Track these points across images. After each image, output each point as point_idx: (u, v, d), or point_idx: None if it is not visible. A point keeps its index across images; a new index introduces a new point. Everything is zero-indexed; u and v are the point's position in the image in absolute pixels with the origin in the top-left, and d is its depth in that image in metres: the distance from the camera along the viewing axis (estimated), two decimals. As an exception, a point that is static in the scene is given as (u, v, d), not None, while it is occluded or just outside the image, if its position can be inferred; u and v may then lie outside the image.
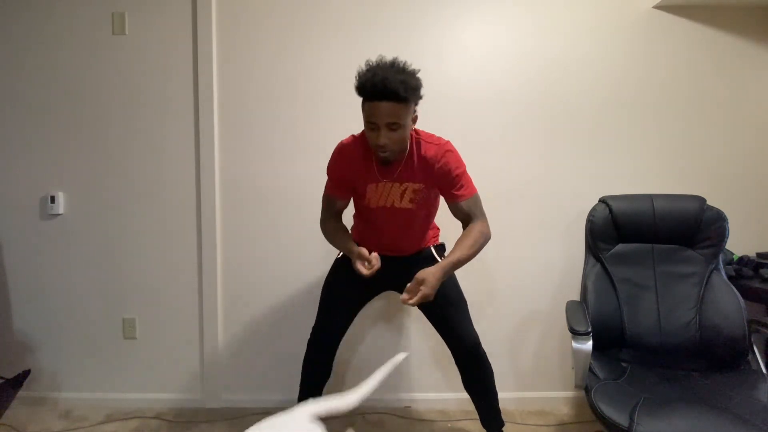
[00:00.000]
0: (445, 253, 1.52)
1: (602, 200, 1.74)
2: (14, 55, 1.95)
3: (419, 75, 1.26)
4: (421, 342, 2.03)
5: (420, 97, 1.27)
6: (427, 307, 1.48)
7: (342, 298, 1.57)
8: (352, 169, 1.40)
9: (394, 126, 1.22)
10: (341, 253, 1.56)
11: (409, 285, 1.28)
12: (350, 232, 1.60)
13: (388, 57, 1.28)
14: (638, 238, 1.69)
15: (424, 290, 1.26)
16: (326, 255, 1.98)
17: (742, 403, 1.26)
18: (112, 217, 1.99)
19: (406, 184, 1.37)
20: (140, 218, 1.99)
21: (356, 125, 1.93)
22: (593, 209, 1.73)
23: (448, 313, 1.50)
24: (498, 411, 1.58)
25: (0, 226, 1.99)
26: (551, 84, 1.95)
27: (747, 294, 1.64)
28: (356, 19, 1.94)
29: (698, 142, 1.97)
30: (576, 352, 1.41)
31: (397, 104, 1.19)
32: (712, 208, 1.65)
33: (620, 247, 1.70)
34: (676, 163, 1.97)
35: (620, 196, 1.74)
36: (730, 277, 1.67)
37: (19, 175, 1.98)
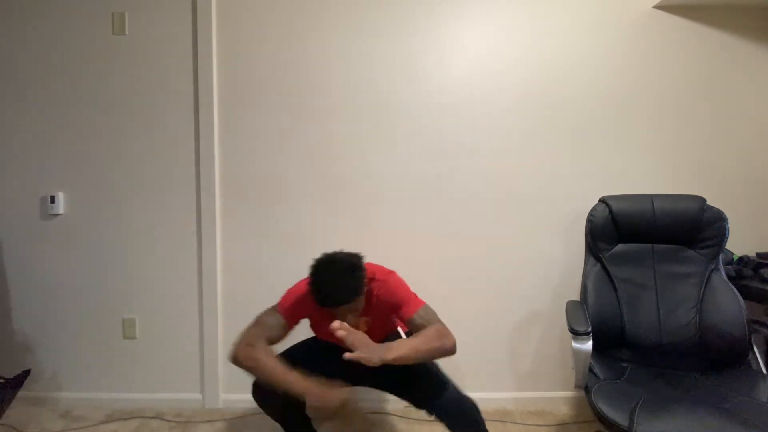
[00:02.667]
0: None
1: (602, 200, 1.74)
2: (14, 55, 1.96)
3: (360, 261, 1.30)
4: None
5: (365, 282, 1.30)
6: (398, 387, 1.42)
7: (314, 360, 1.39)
8: (312, 310, 1.37)
9: (352, 315, 1.30)
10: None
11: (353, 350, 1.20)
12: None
13: (324, 259, 1.29)
14: (638, 238, 1.69)
15: (366, 358, 1.17)
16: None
17: (742, 403, 1.26)
18: (112, 217, 1.99)
19: (360, 320, 1.38)
20: (140, 218, 1.99)
21: (356, 125, 1.95)
22: (593, 209, 1.72)
23: (427, 386, 1.39)
24: None
25: (0, 226, 1.99)
26: (551, 84, 1.95)
27: (747, 294, 1.64)
28: (356, 20, 1.94)
29: (698, 142, 1.97)
30: (576, 352, 1.41)
31: (350, 304, 1.25)
32: (712, 208, 1.65)
33: (620, 247, 1.70)
34: (677, 163, 1.98)
35: (620, 196, 1.74)
36: (730, 277, 1.67)
37: (19, 175, 1.98)
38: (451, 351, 1.32)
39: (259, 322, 1.36)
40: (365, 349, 1.19)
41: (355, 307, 1.30)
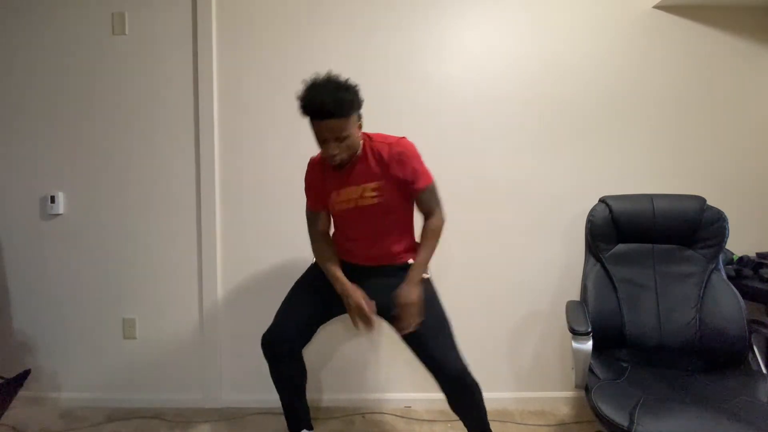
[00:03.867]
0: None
1: (602, 200, 1.74)
2: (14, 55, 1.96)
3: (355, 86, 1.32)
4: (421, 342, 2.03)
5: (359, 107, 1.34)
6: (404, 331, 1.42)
7: (308, 298, 1.54)
8: (318, 179, 1.48)
9: (341, 138, 1.30)
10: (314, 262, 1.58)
11: (397, 314, 1.35)
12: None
13: (322, 73, 1.33)
14: (638, 238, 1.69)
15: (413, 311, 1.34)
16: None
17: (742, 403, 1.26)
18: (112, 217, 1.99)
19: (364, 185, 1.40)
20: (140, 218, 1.99)
21: (356, 125, 1.95)
22: (593, 209, 1.72)
23: (423, 340, 1.39)
24: (487, 425, 1.51)
25: (0, 226, 1.99)
26: (551, 84, 1.95)
27: (747, 294, 1.64)
28: (356, 20, 1.94)
29: (698, 142, 1.97)
30: (576, 352, 1.41)
31: (338, 120, 1.27)
32: (712, 208, 1.65)
33: (620, 247, 1.70)
34: (677, 163, 1.98)
35: (620, 196, 1.74)
36: (730, 277, 1.67)
37: (19, 175, 1.98)
38: (441, 232, 1.47)
39: (307, 225, 1.55)
40: (406, 314, 1.34)
41: (346, 125, 1.28)
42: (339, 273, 1.45)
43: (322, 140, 1.31)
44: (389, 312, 1.39)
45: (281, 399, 1.60)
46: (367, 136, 1.44)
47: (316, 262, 1.56)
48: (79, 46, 1.95)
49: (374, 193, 1.39)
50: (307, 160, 1.94)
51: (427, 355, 1.40)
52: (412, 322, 1.34)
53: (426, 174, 1.44)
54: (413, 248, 1.50)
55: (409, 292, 1.35)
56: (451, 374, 1.38)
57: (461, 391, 1.42)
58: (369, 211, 1.41)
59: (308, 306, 1.53)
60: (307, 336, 1.55)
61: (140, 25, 1.95)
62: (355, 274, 1.47)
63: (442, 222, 1.46)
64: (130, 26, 1.95)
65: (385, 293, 1.39)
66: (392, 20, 1.93)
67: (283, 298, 1.99)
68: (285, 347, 1.51)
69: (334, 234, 1.60)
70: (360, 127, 1.38)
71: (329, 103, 1.24)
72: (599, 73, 1.95)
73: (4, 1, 1.95)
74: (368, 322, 1.39)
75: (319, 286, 1.51)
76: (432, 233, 1.44)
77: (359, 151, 1.40)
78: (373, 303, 1.40)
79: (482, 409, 1.49)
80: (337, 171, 1.42)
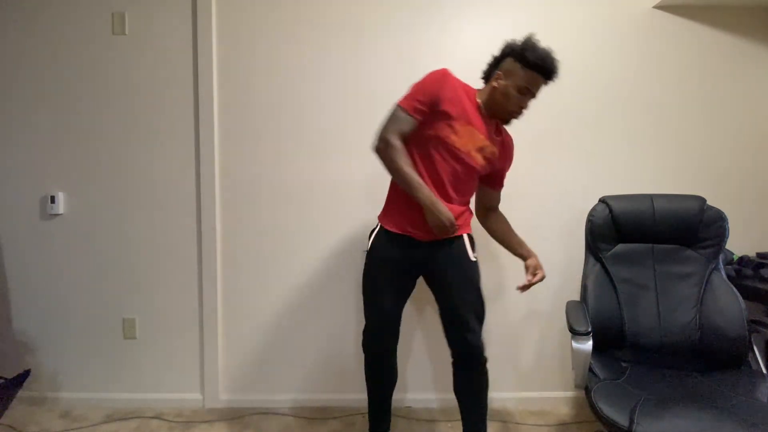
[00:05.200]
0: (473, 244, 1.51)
1: (602, 200, 1.74)
2: (14, 54, 1.96)
3: None
4: (421, 342, 2.03)
5: None
6: (447, 300, 1.47)
7: (388, 285, 1.48)
8: (459, 100, 1.39)
9: (533, 98, 1.43)
10: (372, 241, 1.51)
11: (529, 270, 1.51)
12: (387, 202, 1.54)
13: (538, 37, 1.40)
14: (638, 238, 1.69)
15: (540, 273, 1.49)
16: (328, 255, 1.99)
17: (742, 403, 1.26)
18: (112, 217, 1.99)
19: (489, 144, 1.44)
20: (140, 218, 1.99)
21: (356, 124, 1.95)
22: (593, 209, 1.72)
23: (464, 313, 1.44)
24: (485, 425, 1.53)
25: (0, 226, 1.99)
26: (550, 84, 1.94)
27: (747, 294, 1.64)
28: (356, 18, 1.94)
29: (698, 142, 1.97)
30: (576, 352, 1.41)
31: (545, 86, 1.41)
32: (712, 208, 1.65)
33: (620, 247, 1.70)
34: (677, 163, 1.98)
35: (620, 196, 1.74)
36: (730, 277, 1.67)
37: (19, 175, 1.98)
38: None
39: (389, 121, 1.38)
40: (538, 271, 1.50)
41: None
42: (423, 183, 1.37)
43: (527, 92, 1.39)
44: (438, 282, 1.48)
45: (372, 399, 1.59)
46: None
47: (374, 251, 1.49)
48: (79, 46, 1.95)
49: (488, 155, 1.45)
50: (308, 160, 1.96)
51: (465, 324, 1.45)
52: (536, 279, 1.49)
53: (504, 180, 1.64)
54: (467, 223, 1.52)
55: (538, 261, 1.54)
56: (479, 347, 1.47)
57: (480, 367, 1.49)
58: (467, 166, 1.42)
59: (392, 299, 1.50)
60: (398, 331, 1.55)
61: (140, 25, 1.95)
62: (413, 251, 1.45)
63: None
64: (130, 26, 1.95)
65: (439, 260, 1.45)
66: (392, 20, 1.93)
67: (283, 298, 2.01)
68: (386, 343, 1.54)
69: (400, 193, 1.49)
70: None
71: (556, 71, 1.37)
72: (599, 72, 1.95)
73: (5, 2, 1.95)
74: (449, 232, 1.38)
75: (390, 275, 1.48)
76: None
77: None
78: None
79: (486, 404, 1.53)
80: (477, 113, 1.42)
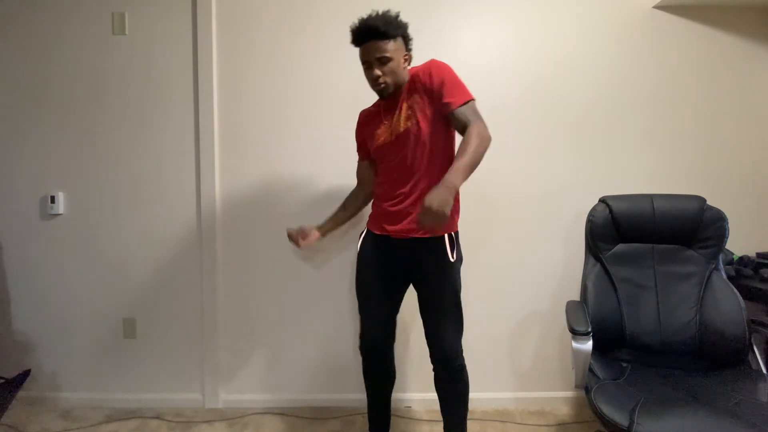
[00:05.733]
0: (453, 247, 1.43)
1: (602, 200, 1.74)
2: (14, 54, 1.96)
3: (405, 22, 1.39)
4: (420, 342, 2.02)
5: (405, 34, 1.40)
6: (422, 301, 1.47)
7: (377, 287, 1.50)
8: (365, 129, 1.53)
9: (384, 59, 1.34)
10: (359, 245, 1.55)
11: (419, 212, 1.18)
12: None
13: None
14: (638, 238, 1.69)
15: (428, 208, 1.12)
16: (328, 255, 1.99)
17: (742, 403, 1.26)
18: (112, 217, 1.99)
19: (402, 109, 1.40)
20: (140, 218, 1.99)
21: (355, 124, 1.94)
22: (593, 209, 1.72)
23: (436, 317, 1.44)
24: (464, 425, 1.52)
25: (0, 226, 1.99)
26: (551, 84, 1.95)
27: (747, 294, 1.64)
28: (356, 18, 1.93)
29: (698, 142, 1.97)
30: (576, 352, 1.41)
31: (381, 41, 1.33)
32: (712, 208, 1.65)
33: (620, 247, 1.70)
34: (676, 163, 1.98)
35: (620, 196, 1.74)
36: (730, 277, 1.67)
37: (19, 175, 1.98)
38: (489, 145, 1.30)
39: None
40: (424, 217, 1.14)
41: (390, 46, 1.33)
42: (333, 217, 1.63)
43: (367, 64, 1.36)
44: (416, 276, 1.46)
45: (371, 399, 1.60)
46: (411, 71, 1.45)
47: (360, 254, 1.54)
48: (79, 46, 1.95)
49: (407, 113, 1.37)
50: (308, 159, 1.96)
51: (432, 331, 1.45)
52: (426, 226, 1.16)
53: (463, 91, 1.35)
54: (450, 222, 1.41)
55: (437, 195, 1.13)
56: (446, 356, 1.43)
57: (450, 376, 1.46)
58: (402, 141, 1.38)
59: (381, 306, 1.51)
60: (393, 331, 1.56)
61: (140, 25, 1.95)
62: (393, 251, 1.46)
63: (488, 134, 1.29)
64: (130, 26, 1.95)
65: (419, 262, 1.43)
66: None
67: (283, 298, 2.01)
68: (380, 345, 1.53)
69: (374, 196, 1.56)
70: (407, 60, 1.42)
71: (371, 20, 1.32)
72: (599, 72, 1.95)
73: (5, 2, 1.95)
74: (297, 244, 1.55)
75: (378, 277, 1.50)
76: (473, 137, 1.24)
77: (405, 85, 1.42)
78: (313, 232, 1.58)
79: (466, 406, 1.51)
80: (381, 111, 1.46)
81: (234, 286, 2.01)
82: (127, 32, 1.95)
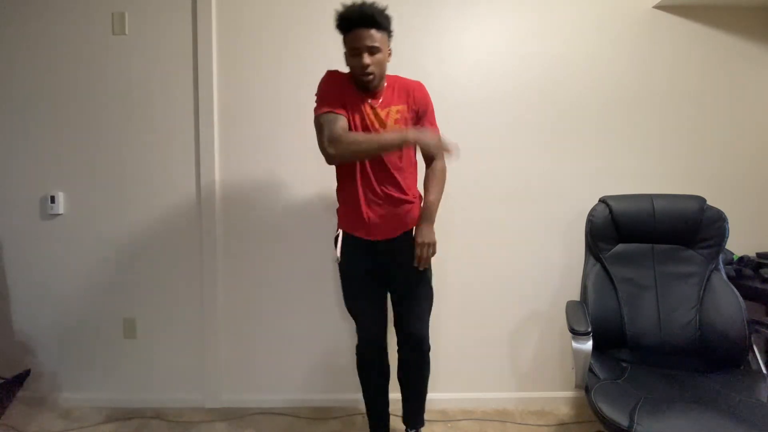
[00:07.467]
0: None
1: (602, 200, 1.74)
2: (14, 54, 1.96)
3: (386, 11, 1.39)
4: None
5: (391, 32, 1.42)
6: (393, 290, 1.55)
7: (364, 290, 1.54)
8: (344, 93, 1.44)
9: (374, 50, 1.36)
10: (338, 256, 1.51)
11: (415, 252, 1.46)
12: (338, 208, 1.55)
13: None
14: (638, 238, 1.69)
15: (430, 250, 1.46)
16: (328, 255, 1.99)
17: (742, 403, 1.26)
18: (112, 217, 1.99)
19: (389, 107, 1.45)
20: (140, 218, 1.99)
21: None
22: (593, 209, 1.72)
23: (406, 304, 1.54)
24: (423, 410, 1.64)
25: (0, 226, 1.99)
26: (551, 84, 1.95)
27: (747, 294, 1.64)
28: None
29: (698, 142, 1.97)
30: (576, 352, 1.41)
31: (376, 31, 1.35)
32: (712, 208, 1.65)
33: (620, 247, 1.70)
34: (677, 163, 1.98)
35: (620, 196, 1.74)
36: (730, 277, 1.67)
37: (19, 175, 1.98)
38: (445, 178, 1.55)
39: (321, 124, 1.41)
40: (423, 252, 1.45)
41: (381, 39, 1.36)
42: (386, 133, 1.41)
43: (356, 51, 1.35)
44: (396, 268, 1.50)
45: (371, 404, 1.65)
46: (390, 76, 1.50)
47: (342, 261, 1.51)
48: (79, 46, 1.95)
49: (398, 116, 1.45)
50: (307, 159, 1.96)
51: (402, 317, 1.55)
52: (426, 261, 1.46)
53: (435, 122, 1.55)
54: (419, 207, 1.52)
55: (428, 233, 1.46)
56: (418, 337, 1.54)
57: (418, 358, 1.57)
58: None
59: (374, 303, 1.56)
60: (386, 332, 1.60)
61: (140, 25, 1.95)
62: (373, 249, 1.48)
63: (445, 167, 1.54)
64: (130, 26, 1.95)
65: (398, 256, 1.49)
66: (392, 21, 1.93)
67: (283, 298, 2.01)
68: (378, 350, 1.59)
69: (346, 194, 1.50)
70: (389, 55, 1.44)
71: (370, 9, 1.33)
72: (599, 73, 1.95)
73: (4, 1, 1.95)
74: (449, 148, 1.42)
75: (365, 280, 1.53)
76: (441, 173, 1.52)
77: (385, 82, 1.46)
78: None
79: (425, 392, 1.63)
80: (360, 93, 1.44)
81: (234, 287, 2.01)
82: (127, 32, 1.95)
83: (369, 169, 1.44)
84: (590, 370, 1.46)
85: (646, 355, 1.58)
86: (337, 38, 1.94)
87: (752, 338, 1.54)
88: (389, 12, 1.39)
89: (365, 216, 1.44)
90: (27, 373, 1.79)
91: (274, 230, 1.99)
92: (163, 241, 1.99)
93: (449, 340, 1.99)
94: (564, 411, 1.99)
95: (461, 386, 2.02)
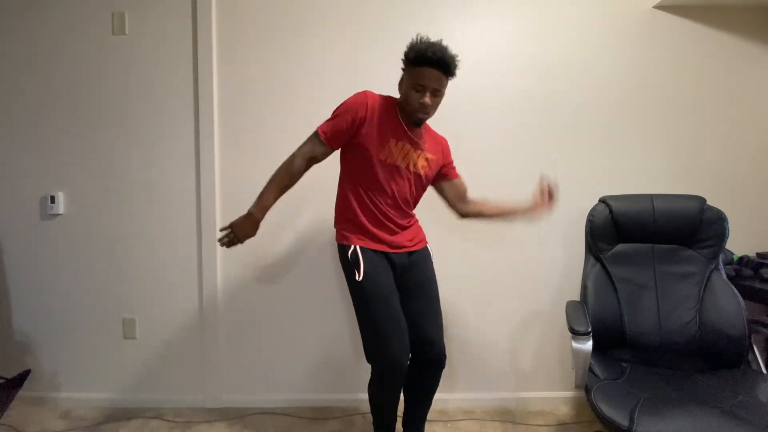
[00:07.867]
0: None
1: (602, 200, 1.74)
2: (14, 54, 1.96)
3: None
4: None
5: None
6: (421, 304, 1.49)
7: (394, 306, 1.41)
8: (379, 118, 1.40)
9: (438, 93, 1.38)
10: (361, 274, 1.41)
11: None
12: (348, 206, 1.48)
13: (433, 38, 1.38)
14: (638, 238, 1.69)
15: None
16: (327, 254, 1.99)
17: (742, 403, 1.26)
18: (112, 217, 1.99)
19: (423, 152, 1.47)
20: (140, 218, 1.99)
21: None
22: (593, 209, 1.73)
23: (435, 316, 1.50)
24: (426, 417, 1.60)
25: (0, 226, 1.99)
26: (551, 84, 1.95)
27: (747, 294, 1.64)
28: (356, 19, 1.94)
29: (698, 142, 1.97)
30: (576, 352, 1.41)
31: (444, 76, 1.36)
32: (712, 208, 1.65)
33: (620, 247, 1.70)
34: (677, 163, 1.98)
35: (620, 196, 1.74)
36: (730, 277, 1.67)
37: (19, 175, 1.98)
38: None
39: (308, 140, 1.49)
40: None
41: (445, 84, 1.39)
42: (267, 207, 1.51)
43: (421, 88, 1.35)
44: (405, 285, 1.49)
45: (385, 411, 1.54)
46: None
47: (366, 278, 1.40)
48: (79, 46, 1.95)
49: (425, 164, 1.48)
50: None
51: (428, 329, 1.47)
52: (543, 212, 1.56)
53: (454, 169, 1.65)
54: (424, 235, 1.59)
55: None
56: (439, 353, 1.48)
57: (437, 371, 1.51)
58: (409, 179, 1.47)
59: (401, 323, 1.41)
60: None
61: (140, 25, 1.95)
62: (392, 263, 1.46)
63: None
64: (130, 26, 1.95)
65: (407, 274, 1.49)
66: (392, 21, 1.93)
67: (283, 298, 2.00)
68: (403, 372, 1.42)
69: (352, 191, 1.46)
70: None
71: (448, 57, 1.33)
72: (599, 73, 1.95)
73: (4, 2, 1.95)
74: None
75: (393, 296, 1.43)
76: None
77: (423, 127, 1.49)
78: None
79: (431, 402, 1.59)
80: (401, 124, 1.43)
81: (234, 286, 2.01)
82: (127, 32, 1.95)
83: (386, 186, 1.44)
84: (590, 370, 1.46)
85: (646, 355, 1.58)
86: (338, 38, 1.95)
87: (752, 338, 1.54)
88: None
89: (383, 237, 1.44)
90: (27, 373, 1.78)
91: (274, 230, 1.98)
92: (163, 240, 1.99)
93: (449, 340, 1.97)
94: (564, 411, 1.99)
95: (461, 386, 2.03)
